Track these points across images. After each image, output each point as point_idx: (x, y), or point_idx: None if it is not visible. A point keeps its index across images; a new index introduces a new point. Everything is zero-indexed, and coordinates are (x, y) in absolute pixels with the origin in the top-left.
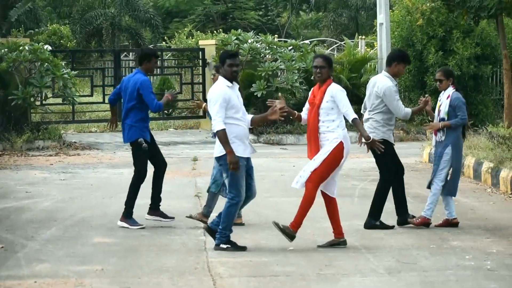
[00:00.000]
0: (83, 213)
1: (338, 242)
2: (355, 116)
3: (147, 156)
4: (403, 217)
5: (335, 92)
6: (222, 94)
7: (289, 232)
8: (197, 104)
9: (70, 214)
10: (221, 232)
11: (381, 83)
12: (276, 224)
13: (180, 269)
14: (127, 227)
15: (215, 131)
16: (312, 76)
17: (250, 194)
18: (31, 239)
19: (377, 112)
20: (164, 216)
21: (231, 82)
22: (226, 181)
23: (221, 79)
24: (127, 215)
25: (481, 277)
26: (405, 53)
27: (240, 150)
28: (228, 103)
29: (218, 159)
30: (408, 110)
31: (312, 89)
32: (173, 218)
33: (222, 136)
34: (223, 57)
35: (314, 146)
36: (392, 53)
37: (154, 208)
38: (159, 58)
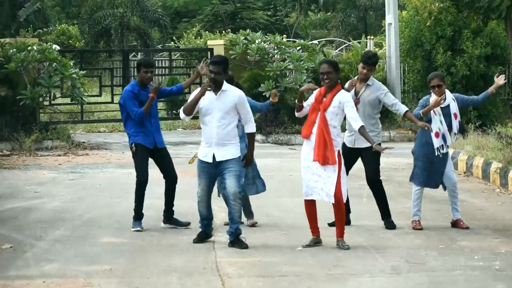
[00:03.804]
0: (91, 213)
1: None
2: (362, 123)
3: (143, 161)
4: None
5: (346, 99)
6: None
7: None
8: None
9: (79, 214)
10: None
11: None
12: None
13: (188, 269)
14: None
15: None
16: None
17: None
18: (39, 239)
19: None
20: (178, 223)
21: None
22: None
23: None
24: (134, 218)
25: (490, 278)
26: (363, 52)
27: None
28: None
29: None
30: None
31: (319, 90)
32: (189, 223)
33: None
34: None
35: (322, 150)
36: None
37: (167, 217)
38: (168, 59)
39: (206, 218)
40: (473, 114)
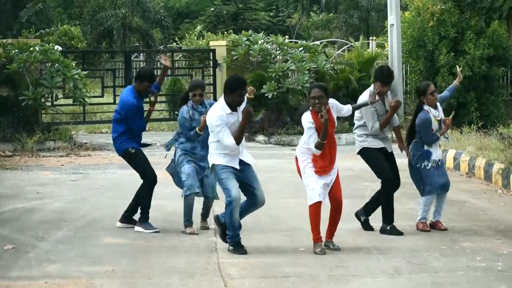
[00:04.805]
0: (93, 214)
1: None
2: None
3: (145, 158)
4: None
5: (335, 103)
6: None
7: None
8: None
9: (81, 214)
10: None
11: None
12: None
13: (190, 270)
14: (142, 231)
15: None
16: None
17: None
18: (41, 240)
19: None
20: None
21: None
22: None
23: None
24: (142, 219)
25: (492, 278)
26: (378, 70)
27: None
28: None
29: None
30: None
31: (312, 117)
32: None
33: None
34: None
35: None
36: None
37: (128, 217)
38: (170, 60)
39: (240, 226)
40: (475, 115)
